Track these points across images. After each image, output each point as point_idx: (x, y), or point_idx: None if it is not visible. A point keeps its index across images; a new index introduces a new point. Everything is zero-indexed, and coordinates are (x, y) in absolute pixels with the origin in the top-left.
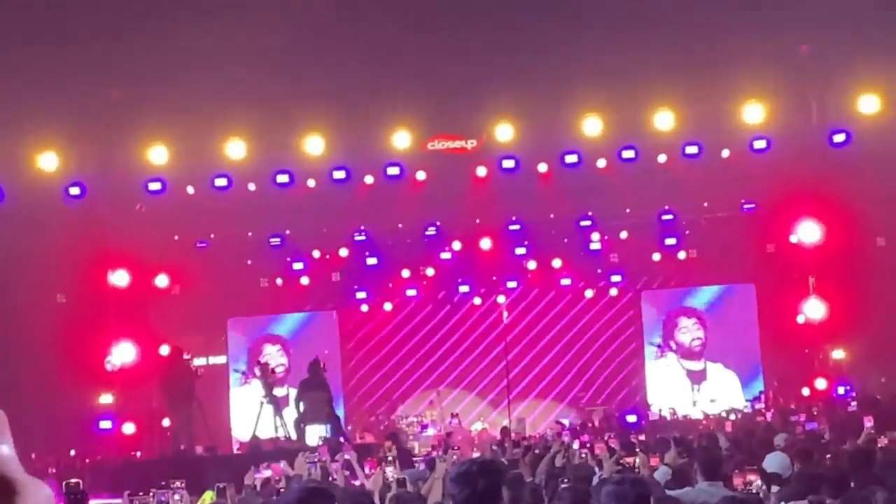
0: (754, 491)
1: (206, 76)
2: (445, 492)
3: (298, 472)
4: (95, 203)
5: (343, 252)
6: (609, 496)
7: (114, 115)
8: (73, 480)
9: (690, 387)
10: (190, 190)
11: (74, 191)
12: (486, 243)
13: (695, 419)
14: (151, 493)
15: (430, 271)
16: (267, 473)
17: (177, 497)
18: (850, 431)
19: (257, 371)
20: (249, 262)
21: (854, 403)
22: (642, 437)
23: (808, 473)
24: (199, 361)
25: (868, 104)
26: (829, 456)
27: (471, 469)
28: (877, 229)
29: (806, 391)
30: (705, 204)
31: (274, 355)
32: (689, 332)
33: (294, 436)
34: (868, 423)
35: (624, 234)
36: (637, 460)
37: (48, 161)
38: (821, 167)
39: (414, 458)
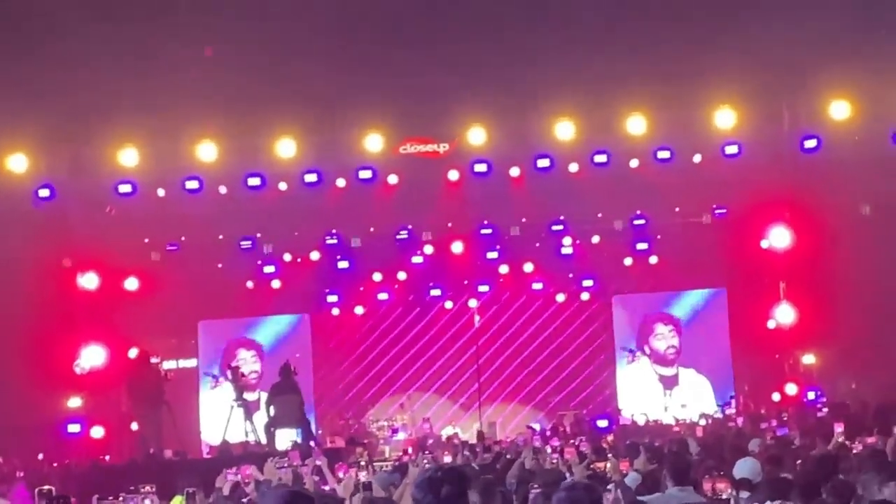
0: (724, 497)
1: (177, 79)
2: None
3: (268, 476)
4: (65, 205)
5: (315, 255)
6: (562, 502)
7: (84, 118)
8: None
9: (662, 392)
10: (160, 192)
11: (44, 193)
12: (457, 247)
13: (666, 424)
14: (121, 498)
15: (401, 275)
16: (236, 478)
17: (147, 502)
18: (819, 437)
19: (228, 374)
20: (220, 265)
21: (825, 409)
22: (611, 439)
23: (778, 479)
24: (168, 365)
25: (839, 110)
26: (798, 462)
27: (435, 475)
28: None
29: (776, 396)
30: (677, 209)
31: (248, 361)
32: (664, 339)
33: (264, 440)
34: (838, 428)
35: (596, 239)
36: (608, 465)
37: (17, 163)
38: (792, 173)
39: (384, 462)
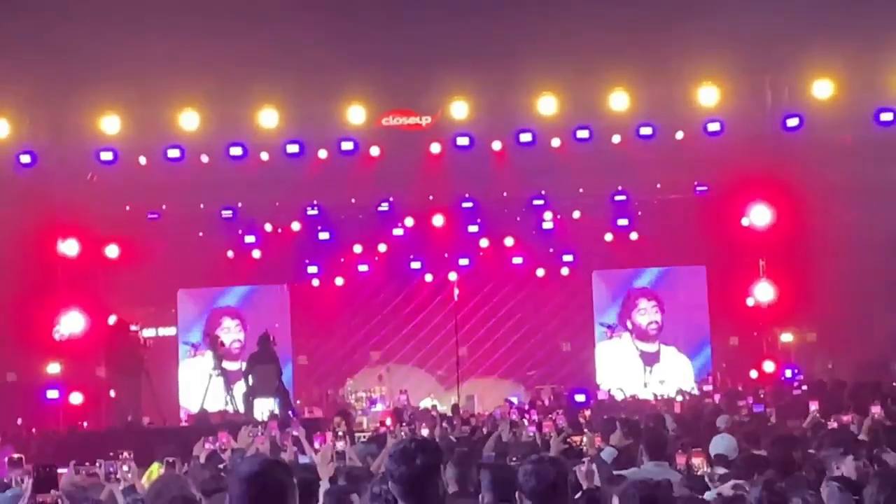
0: (698, 472)
1: (160, 46)
2: (385, 468)
3: (242, 444)
4: (47, 172)
5: (295, 226)
6: (528, 475)
7: (66, 84)
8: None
9: (643, 368)
10: (142, 160)
11: (25, 159)
12: (438, 220)
13: (643, 400)
14: (98, 464)
15: (382, 247)
16: (213, 446)
17: (125, 468)
18: (795, 415)
19: (207, 343)
20: (201, 234)
21: (803, 387)
22: (588, 414)
23: (753, 456)
24: (148, 333)
25: (822, 89)
26: (773, 439)
27: (409, 446)
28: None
29: (754, 374)
30: (658, 185)
31: (232, 330)
32: (647, 314)
33: (242, 409)
34: (813, 406)
35: (576, 214)
36: (584, 439)
37: None
38: (774, 151)
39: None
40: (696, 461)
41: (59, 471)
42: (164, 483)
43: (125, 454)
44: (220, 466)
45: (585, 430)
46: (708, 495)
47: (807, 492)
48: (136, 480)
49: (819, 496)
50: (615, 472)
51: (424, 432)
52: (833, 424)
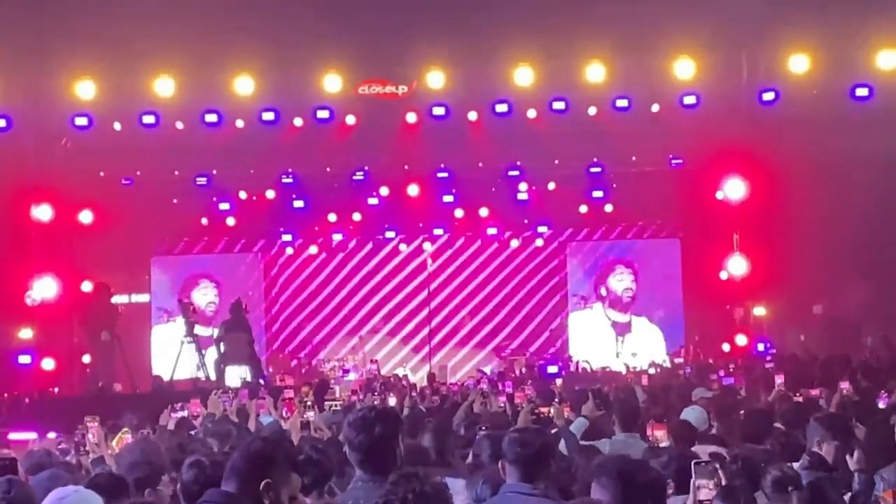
0: (663, 444)
1: (136, 11)
2: (343, 437)
3: (212, 409)
4: (21, 136)
5: (270, 194)
6: (513, 442)
7: (42, 49)
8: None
9: (615, 338)
10: (117, 126)
11: (0, 123)
12: (413, 190)
13: (615, 371)
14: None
15: (356, 216)
16: (183, 413)
17: (89, 436)
18: (763, 388)
19: (179, 308)
20: (175, 200)
21: (771, 362)
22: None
23: (725, 430)
24: (121, 299)
25: (798, 64)
26: (742, 412)
27: (368, 415)
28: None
29: (726, 347)
30: (633, 157)
31: (209, 293)
32: (623, 280)
33: (214, 376)
34: (779, 379)
35: (552, 186)
36: (552, 410)
37: None
38: (749, 125)
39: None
40: (658, 433)
41: (27, 436)
42: (132, 450)
43: (88, 418)
44: (192, 433)
45: (554, 401)
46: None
47: (783, 464)
48: (103, 446)
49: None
50: (587, 443)
51: (392, 401)
52: (799, 398)
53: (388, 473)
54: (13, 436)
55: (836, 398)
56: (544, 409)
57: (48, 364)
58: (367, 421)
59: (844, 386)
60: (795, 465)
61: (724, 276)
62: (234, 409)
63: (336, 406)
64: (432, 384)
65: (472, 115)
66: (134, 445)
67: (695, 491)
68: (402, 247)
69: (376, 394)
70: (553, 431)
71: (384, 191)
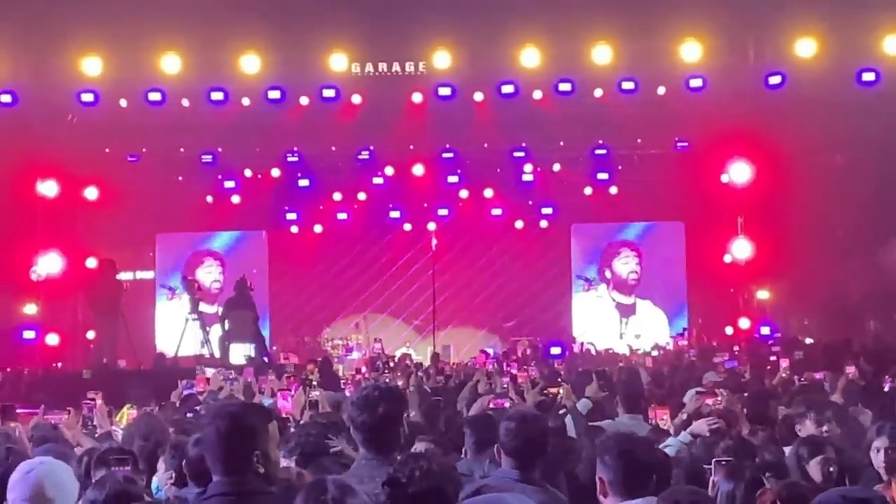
0: (665, 427)
1: None
2: (347, 416)
3: (213, 386)
4: (27, 112)
5: (275, 172)
6: (507, 433)
7: (48, 24)
8: None
9: (619, 320)
10: (123, 103)
11: (6, 98)
12: (418, 170)
13: (619, 353)
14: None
15: (361, 195)
16: (192, 390)
17: (95, 412)
18: (767, 371)
19: (184, 285)
20: (180, 178)
21: (776, 346)
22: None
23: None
24: (125, 276)
25: (805, 48)
26: (746, 395)
27: (372, 394)
28: (808, 171)
29: (729, 330)
30: (639, 140)
31: (213, 271)
32: (629, 263)
33: (218, 353)
34: (784, 363)
35: (557, 167)
36: (561, 391)
37: None
38: (755, 108)
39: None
40: (661, 413)
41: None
42: (138, 425)
43: (92, 393)
44: (196, 409)
45: (562, 382)
46: (672, 441)
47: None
48: (105, 422)
49: (778, 452)
50: (592, 424)
51: (399, 383)
52: (804, 382)
53: (392, 453)
54: (20, 411)
55: (841, 381)
56: (553, 390)
57: (52, 339)
58: (370, 400)
59: (850, 370)
60: None
61: (728, 259)
62: (241, 387)
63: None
64: (435, 363)
65: (478, 96)
66: (138, 421)
67: (712, 486)
68: (407, 226)
69: (384, 372)
70: (560, 412)
71: (389, 170)
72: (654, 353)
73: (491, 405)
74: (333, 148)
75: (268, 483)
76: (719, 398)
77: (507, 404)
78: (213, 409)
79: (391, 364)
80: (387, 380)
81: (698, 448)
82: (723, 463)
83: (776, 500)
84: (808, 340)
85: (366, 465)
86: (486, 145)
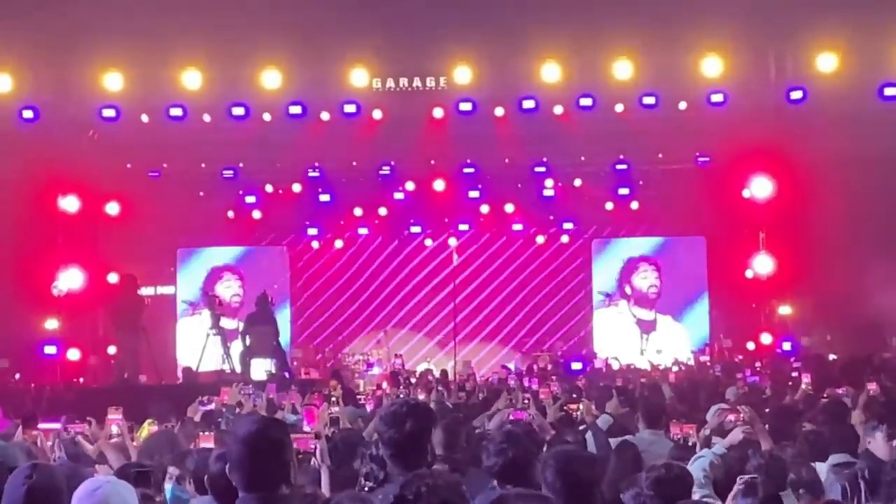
0: (690, 443)
1: (164, 4)
2: (375, 431)
3: (231, 401)
4: (48, 127)
5: (296, 187)
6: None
7: (70, 40)
8: None
9: (640, 335)
10: (144, 118)
11: (28, 114)
12: (439, 185)
13: (640, 369)
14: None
15: (382, 210)
16: (210, 406)
17: (113, 428)
18: (790, 387)
19: (204, 301)
20: (201, 193)
21: (797, 361)
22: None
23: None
24: (146, 291)
25: (826, 62)
26: (767, 411)
27: (400, 410)
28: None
29: (751, 345)
30: (660, 155)
31: (233, 285)
32: (648, 278)
33: (239, 369)
34: (805, 379)
35: (578, 182)
36: (580, 407)
37: (2, 83)
38: (776, 123)
39: (358, 396)
40: (688, 430)
41: (51, 426)
42: (156, 440)
43: (112, 408)
44: (217, 422)
45: (582, 398)
46: (705, 453)
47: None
48: (126, 437)
49: (812, 470)
50: (620, 439)
51: (421, 398)
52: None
53: (419, 468)
54: (42, 426)
55: (862, 398)
56: (573, 406)
57: (73, 354)
58: (398, 416)
59: (872, 387)
60: (822, 465)
61: (749, 274)
62: (264, 403)
63: (361, 400)
64: (445, 378)
65: (499, 111)
66: (154, 437)
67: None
68: (428, 242)
69: (404, 388)
70: (581, 428)
71: (410, 185)
72: (675, 368)
73: (511, 417)
74: (354, 163)
75: (294, 499)
76: (741, 414)
77: (527, 417)
78: (239, 424)
79: (412, 380)
80: (409, 395)
81: (730, 462)
82: (747, 481)
83: None
84: (832, 357)
85: (394, 482)
86: (507, 160)
